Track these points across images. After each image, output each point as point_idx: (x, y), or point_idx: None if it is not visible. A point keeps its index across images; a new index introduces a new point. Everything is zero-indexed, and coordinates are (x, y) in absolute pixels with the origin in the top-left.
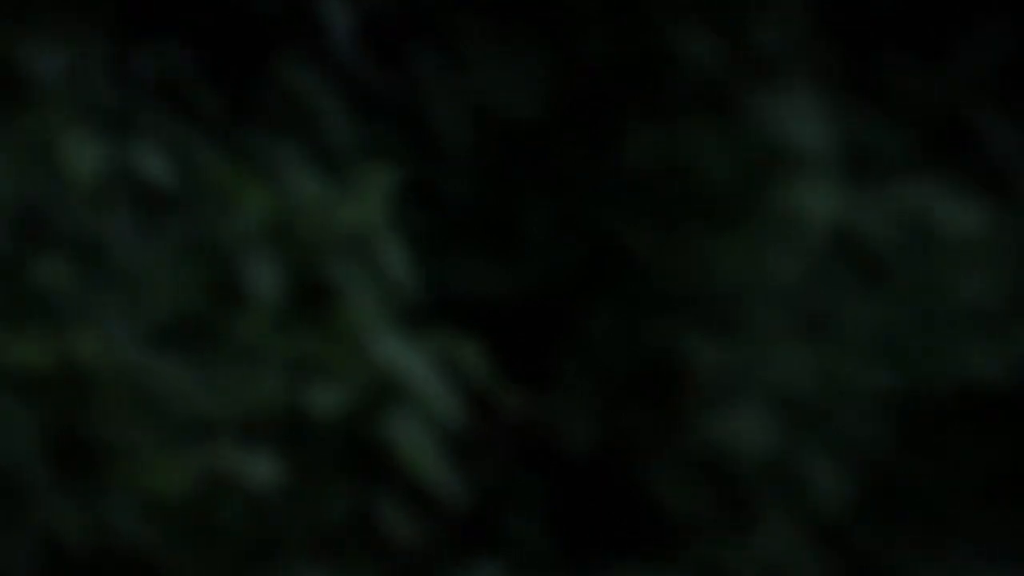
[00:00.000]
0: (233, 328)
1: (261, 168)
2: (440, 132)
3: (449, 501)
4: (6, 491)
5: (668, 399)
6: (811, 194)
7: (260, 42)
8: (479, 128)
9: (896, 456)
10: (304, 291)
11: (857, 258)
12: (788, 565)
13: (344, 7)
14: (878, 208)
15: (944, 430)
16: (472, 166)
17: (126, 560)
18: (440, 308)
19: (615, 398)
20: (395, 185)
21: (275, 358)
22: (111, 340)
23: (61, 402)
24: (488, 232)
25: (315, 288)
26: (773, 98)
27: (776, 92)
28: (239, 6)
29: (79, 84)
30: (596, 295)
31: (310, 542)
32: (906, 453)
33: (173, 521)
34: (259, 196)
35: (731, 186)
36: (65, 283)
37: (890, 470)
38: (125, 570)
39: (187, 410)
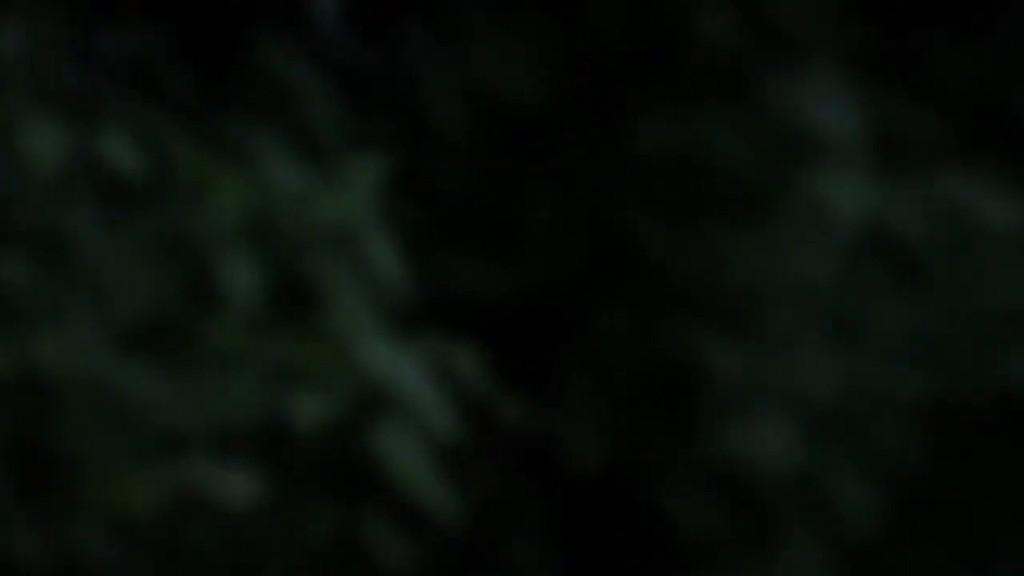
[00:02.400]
0: (208, 332)
1: (238, 158)
2: (434, 119)
3: (443, 520)
4: None
5: (682, 409)
6: (839, 186)
7: (237, 21)
8: (477, 115)
9: (930, 470)
10: (285, 291)
11: (888, 255)
12: None
13: None
14: (911, 201)
15: (982, 441)
16: (469, 156)
17: None
18: (434, 310)
19: (624, 408)
20: (384, 176)
21: (253, 365)
22: (76, 345)
23: (22, 412)
24: (486, 228)
25: (297, 288)
26: (797, 82)
27: (800, 75)
28: None
29: (41, 66)
30: (604, 296)
31: (292, 565)
32: (940, 466)
33: (143, 541)
34: (236, 188)
35: (752, 178)
36: (25, 282)
37: (923, 485)
38: None
39: (158, 421)
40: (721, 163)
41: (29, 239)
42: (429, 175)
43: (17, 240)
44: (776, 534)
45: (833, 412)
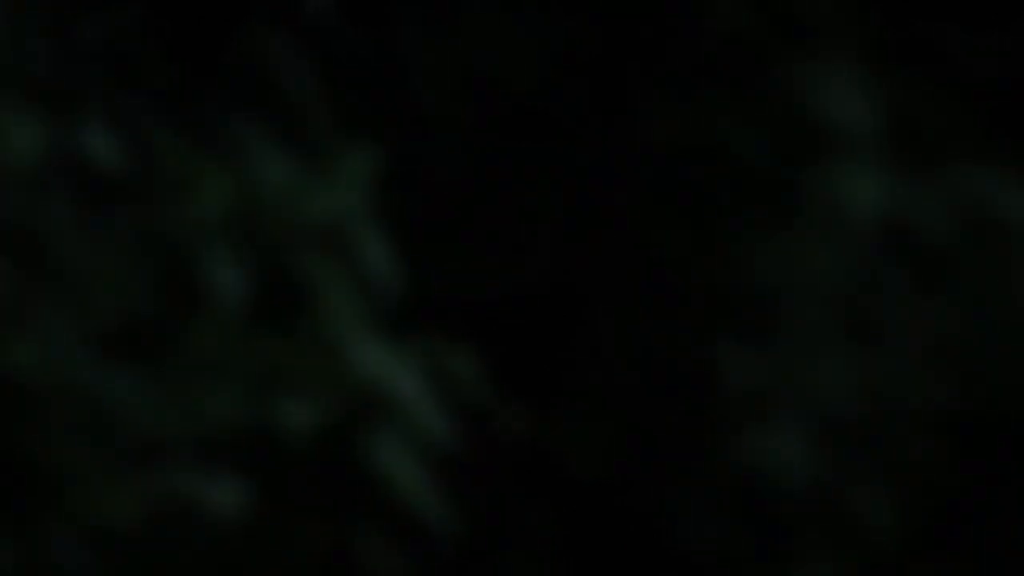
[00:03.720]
0: (192, 335)
1: (224, 150)
2: (427, 106)
3: (439, 532)
4: None
5: (693, 416)
6: (856, 180)
7: (223, 7)
8: (474, 103)
9: (957, 481)
10: (273, 292)
11: (910, 254)
12: None
13: None
14: (933, 196)
15: (1012, 451)
16: (464, 145)
17: None
18: (429, 310)
19: (631, 415)
20: (377, 169)
21: (240, 369)
22: (54, 348)
23: None
24: (484, 222)
25: (285, 288)
26: (812, 69)
27: (816, 62)
28: None
29: (16, 55)
30: (609, 296)
31: None
32: (968, 478)
33: (124, 554)
34: (221, 182)
35: (764, 170)
36: (1, 283)
37: (950, 497)
38: None
39: (140, 429)
40: (733, 154)
41: (3, 236)
42: (422, 165)
43: None
44: (792, 547)
45: (854, 420)
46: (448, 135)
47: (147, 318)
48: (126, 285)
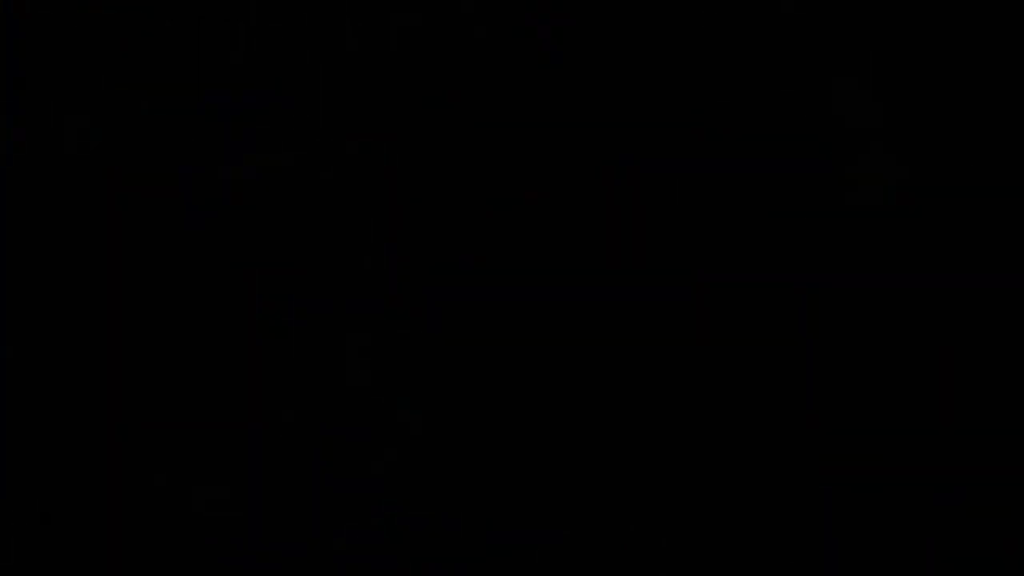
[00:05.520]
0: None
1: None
2: (422, 97)
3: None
4: None
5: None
6: (870, 178)
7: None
8: (467, 91)
9: None
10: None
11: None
12: None
13: None
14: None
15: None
16: (457, 138)
17: None
18: (426, 308)
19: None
20: (370, 158)
21: None
22: None
23: None
24: (478, 213)
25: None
26: (823, 65)
27: (828, 58)
28: None
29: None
30: (609, 294)
31: None
32: None
33: None
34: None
35: (772, 165)
36: None
37: None
38: None
39: None
40: (741, 148)
41: None
42: (418, 161)
43: None
44: None
45: None
46: (441, 125)
47: None
48: None
